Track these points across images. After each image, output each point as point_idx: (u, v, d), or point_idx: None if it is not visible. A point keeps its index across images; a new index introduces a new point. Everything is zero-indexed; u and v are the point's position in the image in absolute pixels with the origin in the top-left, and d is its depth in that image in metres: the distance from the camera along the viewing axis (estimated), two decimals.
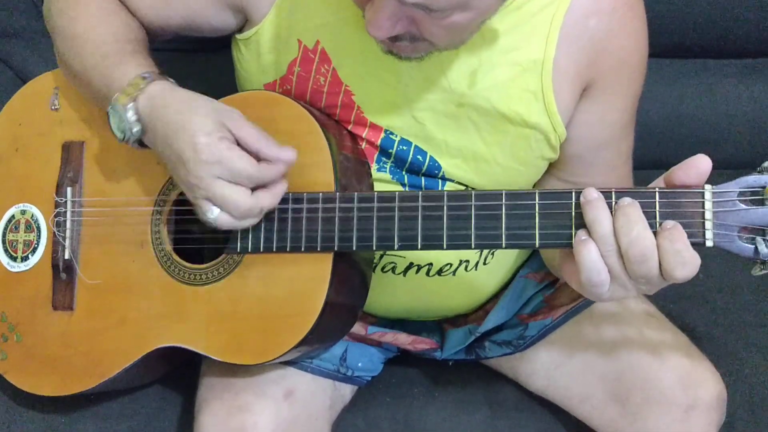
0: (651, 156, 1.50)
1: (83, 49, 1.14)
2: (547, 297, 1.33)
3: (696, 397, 1.19)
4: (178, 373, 1.31)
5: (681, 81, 1.69)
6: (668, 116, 1.67)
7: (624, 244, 0.92)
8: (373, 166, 1.17)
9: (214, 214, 1.02)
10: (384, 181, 1.17)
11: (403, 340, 1.32)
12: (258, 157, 1.02)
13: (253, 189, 1.03)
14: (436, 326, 1.36)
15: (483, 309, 1.33)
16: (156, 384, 1.34)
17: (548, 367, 1.30)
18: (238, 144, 1.02)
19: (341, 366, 1.30)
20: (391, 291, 1.23)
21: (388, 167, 1.17)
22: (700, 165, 0.93)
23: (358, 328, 1.30)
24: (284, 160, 1.03)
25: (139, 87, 1.06)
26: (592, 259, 0.93)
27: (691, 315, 1.43)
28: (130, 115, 1.06)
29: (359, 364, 1.32)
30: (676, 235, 0.91)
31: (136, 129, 1.06)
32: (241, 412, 1.18)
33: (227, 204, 1.01)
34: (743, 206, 0.92)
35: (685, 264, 0.91)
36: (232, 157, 1.00)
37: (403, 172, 1.17)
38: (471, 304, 1.32)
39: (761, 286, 1.47)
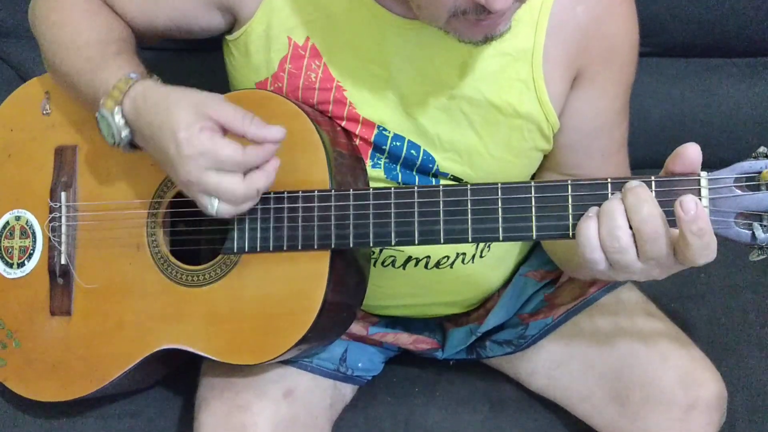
0: (652, 156, 1.48)
1: (68, 54, 1.14)
2: (547, 296, 1.32)
3: (696, 396, 1.19)
4: (178, 373, 1.31)
5: (682, 80, 1.68)
6: (669, 116, 1.66)
7: (636, 222, 0.91)
8: (368, 163, 1.16)
9: (214, 207, 1.01)
10: (378, 179, 1.17)
11: (405, 340, 1.32)
12: (245, 139, 1.01)
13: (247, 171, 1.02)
14: (438, 326, 1.36)
15: (484, 308, 1.33)
16: (157, 383, 1.34)
17: (549, 366, 1.30)
18: (225, 130, 1.01)
19: (341, 365, 1.30)
20: (392, 285, 1.23)
21: (382, 163, 1.16)
22: (688, 154, 0.93)
23: (359, 329, 1.30)
24: (272, 139, 1.01)
25: (122, 90, 1.05)
26: (587, 236, 0.94)
27: (691, 314, 1.42)
28: (118, 120, 1.05)
29: (359, 364, 1.32)
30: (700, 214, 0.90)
31: (125, 133, 1.06)
32: (240, 412, 1.18)
33: (223, 194, 1.00)
34: (739, 192, 0.92)
35: (708, 247, 0.90)
36: (215, 147, 0.99)
37: (398, 169, 1.16)
38: (472, 297, 1.32)
39: (762, 285, 1.47)
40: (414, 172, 1.16)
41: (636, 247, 0.92)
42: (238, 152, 0.99)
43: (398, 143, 1.14)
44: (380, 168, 1.16)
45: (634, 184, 0.94)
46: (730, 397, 1.22)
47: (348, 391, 1.33)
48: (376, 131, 1.14)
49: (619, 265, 0.93)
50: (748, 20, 1.60)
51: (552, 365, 1.29)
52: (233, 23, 1.17)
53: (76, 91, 1.15)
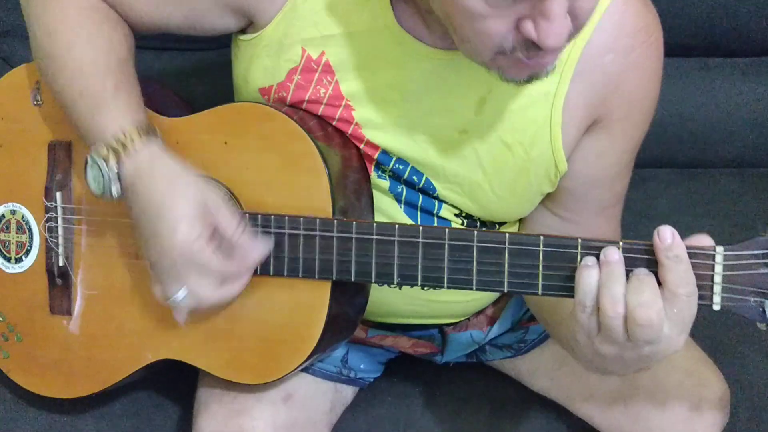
0: (652, 155, 1.49)
1: (61, 73, 1.09)
2: None
3: (700, 397, 1.19)
4: (180, 372, 1.28)
5: (683, 79, 1.67)
6: (670, 115, 1.65)
7: (632, 303, 0.89)
8: (372, 174, 1.13)
9: (181, 295, 1.03)
10: (381, 190, 1.13)
11: (404, 343, 1.32)
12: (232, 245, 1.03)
13: None
14: (438, 330, 1.34)
15: (484, 314, 1.32)
16: (156, 383, 1.34)
17: (551, 367, 1.30)
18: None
19: (344, 368, 1.30)
20: (389, 302, 1.21)
21: (387, 176, 1.13)
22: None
23: (358, 332, 1.29)
24: (256, 256, 1.04)
25: (125, 148, 1.03)
26: (589, 283, 0.91)
27: None
28: (113, 176, 1.04)
29: (361, 366, 1.32)
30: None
31: (116, 191, 1.04)
32: (239, 416, 1.19)
33: (196, 295, 1.03)
34: (756, 270, 0.89)
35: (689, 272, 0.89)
36: (203, 257, 1.01)
37: (401, 186, 1.13)
38: (469, 311, 1.30)
39: None
40: (417, 191, 1.13)
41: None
42: (223, 266, 1.02)
43: (401, 167, 1.11)
44: (385, 180, 1.13)
45: (644, 272, 0.90)
46: (733, 397, 1.23)
47: (349, 393, 1.33)
48: (379, 151, 1.11)
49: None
50: (747, 20, 1.59)
51: (554, 366, 1.29)
52: (247, 25, 1.12)
53: (64, 108, 1.11)
